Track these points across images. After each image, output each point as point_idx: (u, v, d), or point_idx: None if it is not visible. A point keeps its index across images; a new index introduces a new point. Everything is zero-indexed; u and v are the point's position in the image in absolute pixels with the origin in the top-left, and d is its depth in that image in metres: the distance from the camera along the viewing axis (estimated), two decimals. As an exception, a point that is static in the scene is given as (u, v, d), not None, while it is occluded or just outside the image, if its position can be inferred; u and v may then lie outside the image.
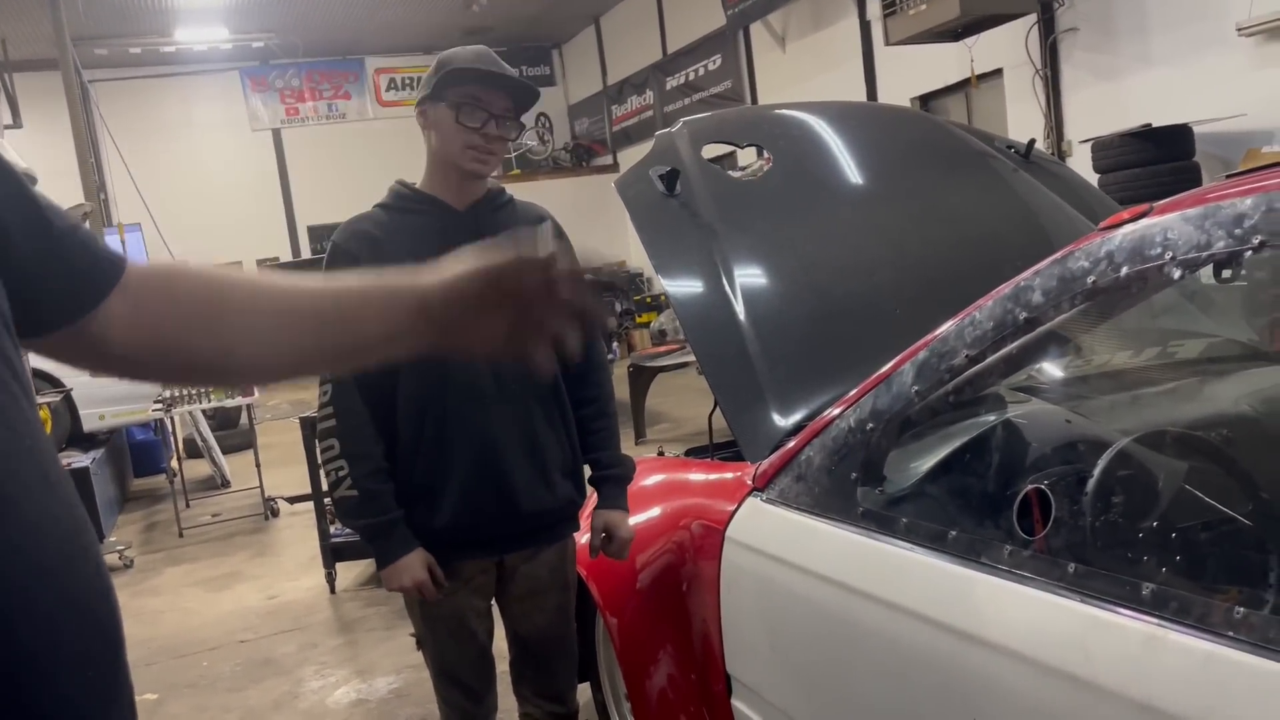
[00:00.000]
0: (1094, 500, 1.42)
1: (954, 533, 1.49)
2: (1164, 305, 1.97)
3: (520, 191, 2.29)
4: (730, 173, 2.78)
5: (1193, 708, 1.07)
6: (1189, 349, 2.20)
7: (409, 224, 2.10)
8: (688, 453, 2.95)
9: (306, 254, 16.44)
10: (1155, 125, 6.93)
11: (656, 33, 15.59)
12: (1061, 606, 1.26)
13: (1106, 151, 7.10)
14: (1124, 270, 1.35)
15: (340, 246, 2.09)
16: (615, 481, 2.24)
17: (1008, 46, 8.70)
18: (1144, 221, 1.36)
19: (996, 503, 1.55)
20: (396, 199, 2.15)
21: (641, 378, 7.73)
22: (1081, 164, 7.16)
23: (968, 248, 2.61)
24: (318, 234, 16.69)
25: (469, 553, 2.12)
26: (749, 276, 2.41)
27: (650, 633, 2.33)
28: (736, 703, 2.05)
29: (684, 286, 2.42)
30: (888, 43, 9.10)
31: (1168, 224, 1.31)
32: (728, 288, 2.37)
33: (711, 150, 2.82)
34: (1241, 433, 1.67)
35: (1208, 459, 1.55)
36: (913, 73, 10.03)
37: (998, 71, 9.10)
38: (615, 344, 13.96)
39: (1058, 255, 1.47)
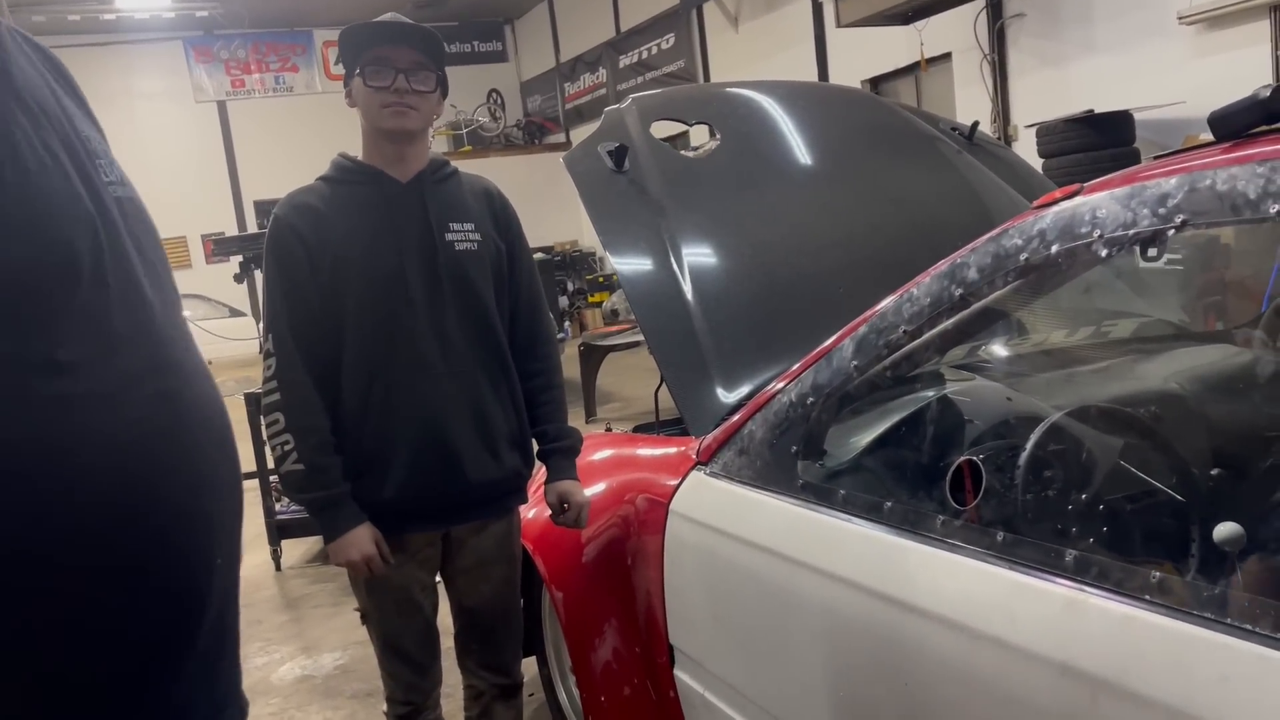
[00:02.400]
0: (1023, 472, 1.47)
1: (889, 504, 1.52)
2: (1098, 285, 2.02)
3: (472, 169, 2.26)
4: (682, 152, 2.78)
5: (1110, 668, 1.12)
6: (1122, 328, 2.26)
7: (352, 196, 2.07)
8: (635, 429, 2.97)
9: (253, 228, 16.16)
10: (1097, 111, 7.06)
11: (610, 10, 15.52)
12: (989, 573, 1.30)
13: (1050, 136, 7.22)
14: (1055, 248, 1.39)
15: (282, 220, 2.06)
16: (563, 454, 2.24)
17: (956, 31, 8.80)
18: (1075, 200, 1.40)
19: (931, 475, 1.59)
20: (339, 171, 2.12)
21: (593, 357, 7.73)
22: (1027, 149, 7.28)
23: (913, 228, 2.65)
24: (264, 208, 16.36)
25: (415, 525, 2.11)
26: (696, 254, 2.43)
27: (595, 606, 2.35)
28: (679, 673, 2.09)
29: (631, 263, 2.44)
30: (839, 24, 9.17)
31: (1097, 203, 1.35)
32: (675, 265, 2.38)
33: (666, 130, 2.82)
34: (1168, 410, 1.73)
35: (1134, 434, 1.60)
36: (864, 55, 10.11)
37: (946, 55, 9.20)
38: (567, 323, 13.94)
39: (992, 233, 1.51)
